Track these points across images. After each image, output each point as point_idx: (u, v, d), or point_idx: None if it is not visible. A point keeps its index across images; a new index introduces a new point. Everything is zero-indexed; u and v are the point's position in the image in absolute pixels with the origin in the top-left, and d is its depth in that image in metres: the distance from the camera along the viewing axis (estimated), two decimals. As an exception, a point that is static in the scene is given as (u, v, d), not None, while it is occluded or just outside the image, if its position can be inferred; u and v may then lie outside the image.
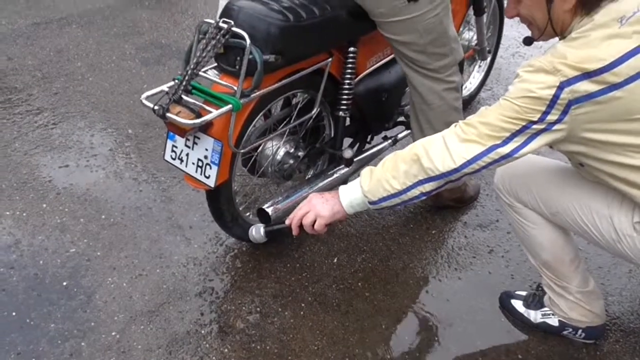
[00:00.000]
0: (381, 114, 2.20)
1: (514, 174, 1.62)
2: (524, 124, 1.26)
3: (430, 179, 1.36)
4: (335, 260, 2.07)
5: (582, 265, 1.69)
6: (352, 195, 1.45)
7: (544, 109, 1.23)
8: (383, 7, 1.78)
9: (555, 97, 1.21)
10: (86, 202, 2.28)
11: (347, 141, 2.18)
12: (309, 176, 2.12)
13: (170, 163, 1.78)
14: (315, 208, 1.47)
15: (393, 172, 1.39)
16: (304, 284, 1.97)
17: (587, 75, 1.19)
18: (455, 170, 1.32)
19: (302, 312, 1.87)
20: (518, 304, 1.85)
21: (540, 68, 1.23)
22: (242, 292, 1.93)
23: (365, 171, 1.44)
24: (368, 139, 2.27)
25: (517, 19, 1.41)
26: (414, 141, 2.11)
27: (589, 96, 1.20)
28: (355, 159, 2.07)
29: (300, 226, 1.50)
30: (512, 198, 1.63)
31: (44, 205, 2.25)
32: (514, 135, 1.27)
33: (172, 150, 1.75)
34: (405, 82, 2.07)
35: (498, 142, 1.28)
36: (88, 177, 2.42)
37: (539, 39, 1.40)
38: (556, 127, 1.25)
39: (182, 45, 3.48)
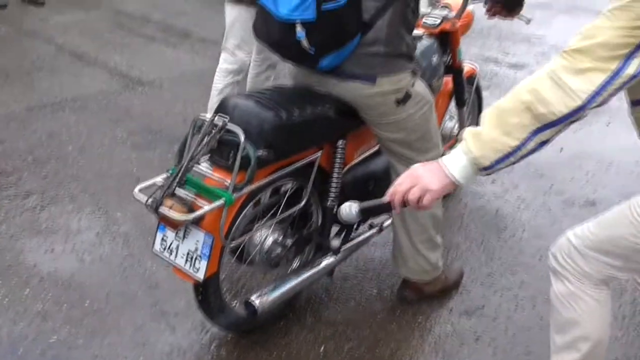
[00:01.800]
0: None
1: (585, 245, 1.45)
2: None
3: (549, 125, 1.18)
4: (322, 349, 2.04)
5: None
6: (459, 163, 1.26)
7: None
8: (374, 111, 1.88)
9: None
10: (70, 288, 2.26)
11: (335, 230, 2.20)
12: (296, 264, 2.13)
13: (159, 255, 1.78)
14: (422, 181, 1.27)
15: (503, 128, 1.21)
16: (290, 373, 1.94)
17: None
18: (581, 108, 1.15)
19: (287, 404, 1.83)
20: (507, 395, 1.81)
21: None
22: (227, 383, 1.89)
23: (469, 135, 1.25)
24: (354, 227, 2.30)
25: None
26: (394, 231, 2.17)
27: None
28: (342, 248, 2.10)
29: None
30: (577, 270, 1.46)
31: (27, 291, 2.23)
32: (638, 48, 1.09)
33: (162, 242, 1.76)
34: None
35: (621, 62, 1.11)
36: (73, 261, 2.41)
37: None
38: None
39: (172, 131, 3.56)
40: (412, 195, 1.27)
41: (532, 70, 5.17)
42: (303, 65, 1.87)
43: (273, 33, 1.74)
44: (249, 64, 3.15)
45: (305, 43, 1.66)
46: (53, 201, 2.81)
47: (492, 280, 2.44)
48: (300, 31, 1.64)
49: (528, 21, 2.50)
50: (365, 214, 1.39)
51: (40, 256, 2.43)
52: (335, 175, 1.99)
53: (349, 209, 1.37)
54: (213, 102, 3.07)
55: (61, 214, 2.72)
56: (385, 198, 1.33)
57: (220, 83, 3.07)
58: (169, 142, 3.41)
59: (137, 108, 3.86)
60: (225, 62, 3.07)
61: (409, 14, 1.83)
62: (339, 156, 1.98)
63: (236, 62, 3.04)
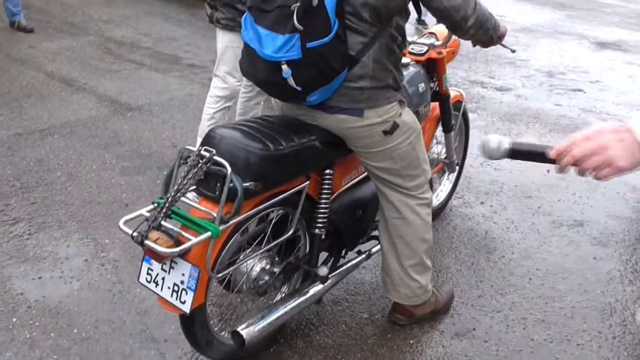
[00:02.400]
0: (356, 230, 2.25)
1: None
2: None
3: None
4: (313, 374, 2.03)
5: None
6: None
7: None
8: (362, 141, 1.89)
9: None
10: (58, 316, 2.23)
11: (322, 255, 2.19)
12: (284, 293, 2.12)
13: (145, 286, 1.76)
14: (609, 153, 1.01)
15: None
16: (281, 400, 1.92)
17: None
18: None
19: None
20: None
21: None
22: (217, 410, 1.86)
23: None
24: (342, 254, 2.29)
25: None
26: (383, 256, 2.17)
27: None
28: (330, 275, 2.10)
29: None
30: None
31: (14, 320, 2.20)
32: None
33: (148, 273, 1.74)
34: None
35: None
36: (61, 289, 2.38)
37: None
38: None
39: (161, 156, 3.56)
40: (590, 164, 1.03)
41: (518, 94, 5.27)
42: (290, 102, 1.88)
43: (259, 71, 1.74)
44: (240, 90, 3.16)
45: (291, 82, 1.66)
46: (41, 228, 2.79)
47: (482, 302, 2.45)
48: (286, 70, 1.64)
49: (513, 51, 2.55)
50: (515, 156, 1.14)
51: (28, 284, 2.40)
52: (322, 203, 1.99)
53: (497, 143, 1.12)
54: (204, 127, 3.07)
55: (49, 240, 2.69)
56: (549, 150, 1.09)
57: (211, 109, 3.07)
58: (158, 168, 3.41)
59: (126, 133, 3.86)
60: (216, 89, 3.07)
61: (395, 48, 1.84)
62: (327, 184, 1.98)
63: (227, 88, 3.04)
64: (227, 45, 2.98)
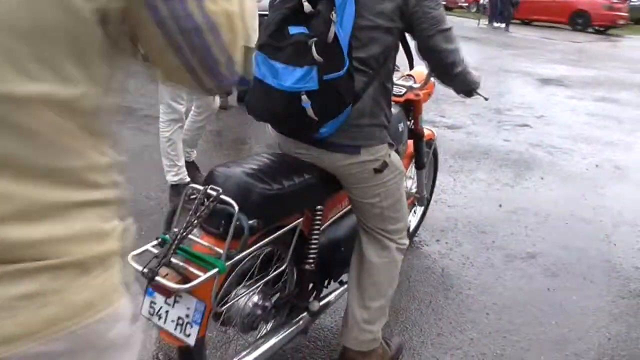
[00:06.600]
0: (341, 262, 2.30)
1: None
2: None
3: None
4: None
5: None
6: None
7: None
8: (353, 178, 1.98)
9: None
10: None
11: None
12: (272, 325, 2.14)
13: (147, 318, 1.77)
14: None
15: None
16: None
17: None
18: None
19: None
20: None
21: None
22: None
23: None
24: (325, 284, 2.33)
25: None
26: (348, 295, 2.18)
27: None
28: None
29: None
30: None
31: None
32: None
33: (150, 306, 1.75)
34: None
35: None
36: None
37: None
38: None
39: (148, 199, 3.52)
40: None
41: (468, 131, 5.44)
42: (302, 134, 1.95)
43: (276, 105, 1.81)
44: (183, 111, 3.42)
45: (310, 112, 1.75)
46: None
47: (441, 340, 2.47)
48: (305, 101, 1.73)
49: (486, 99, 2.57)
50: None
51: None
52: (313, 238, 2.06)
53: None
54: (164, 149, 3.39)
55: None
56: None
57: (166, 132, 3.36)
58: (149, 214, 3.36)
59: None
60: (165, 114, 3.35)
61: (389, 86, 1.96)
62: (318, 220, 2.05)
63: (174, 112, 3.34)
64: None
